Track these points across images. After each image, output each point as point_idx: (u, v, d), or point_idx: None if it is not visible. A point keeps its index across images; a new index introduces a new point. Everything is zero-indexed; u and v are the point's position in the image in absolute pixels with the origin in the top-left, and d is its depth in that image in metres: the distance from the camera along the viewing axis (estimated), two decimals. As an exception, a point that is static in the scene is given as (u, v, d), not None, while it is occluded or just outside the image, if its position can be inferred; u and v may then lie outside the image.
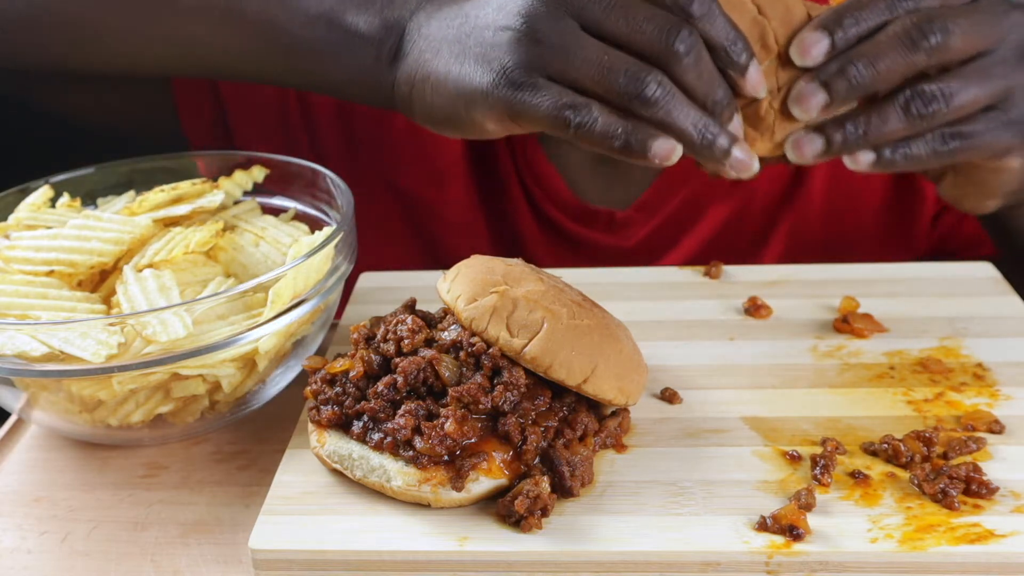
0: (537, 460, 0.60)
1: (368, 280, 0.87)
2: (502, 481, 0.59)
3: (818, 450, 0.63)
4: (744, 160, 0.69)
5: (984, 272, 0.84)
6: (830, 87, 0.68)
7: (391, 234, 1.06)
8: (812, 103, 0.69)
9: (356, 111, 1.00)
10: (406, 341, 0.62)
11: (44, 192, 0.79)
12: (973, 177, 0.77)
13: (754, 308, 0.79)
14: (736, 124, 0.69)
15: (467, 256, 0.67)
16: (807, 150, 0.70)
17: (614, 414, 0.65)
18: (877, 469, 0.61)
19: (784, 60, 0.71)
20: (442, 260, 1.00)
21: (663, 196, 1.02)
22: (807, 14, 0.71)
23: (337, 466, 0.61)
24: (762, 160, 0.72)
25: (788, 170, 1.02)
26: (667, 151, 0.66)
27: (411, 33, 0.75)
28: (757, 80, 0.69)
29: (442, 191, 1.04)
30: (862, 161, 0.70)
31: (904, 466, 0.61)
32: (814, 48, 0.68)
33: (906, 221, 1.02)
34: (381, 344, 0.63)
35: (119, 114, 1.03)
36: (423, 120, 0.76)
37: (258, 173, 0.82)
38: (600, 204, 1.02)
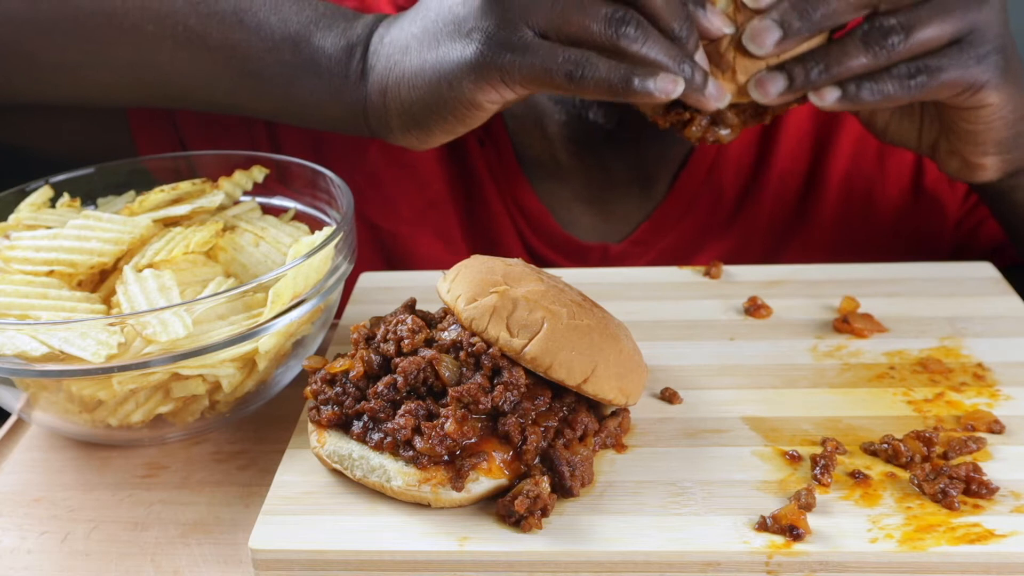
0: (537, 460, 0.60)
1: (368, 280, 0.87)
2: (502, 481, 0.59)
3: (818, 450, 0.63)
4: (717, 90, 0.70)
5: (984, 272, 0.84)
6: (784, 23, 0.69)
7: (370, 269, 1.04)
8: (767, 39, 0.69)
9: (331, 144, 0.97)
10: (406, 341, 0.62)
11: (44, 192, 0.79)
12: (958, 127, 0.76)
13: (754, 308, 0.79)
14: (700, 57, 0.70)
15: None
16: (770, 88, 0.71)
17: (614, 414, 0.65)
18: (877, 469, 0.61)
19: (741, 2, 0.71)
20: None
21: (660, 230, 1.01)
22: None
23: (337, 466, 0.61)
24: (734, 107, 0.74)
25: (792, 202, 1.01)
26: (670, 85, 0.67)
27: (374, 45, 0.74)
28: (713, 17, 0.70)
29: (425, 229, 1.01)
30: (828, 98, 0.70)
31: (904, 466, 0.61)
32: (767, 36, 0.69)
33: (924, 236, 1.01)
34: (381, 344, 0.63)
35: (76, 143, 0.99)
36: (402, 126, 0.74)
37: (258, 173, 0.82)
38: (593, 239, 1.01)
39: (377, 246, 1.01)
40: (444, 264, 1.00)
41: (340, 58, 0.75)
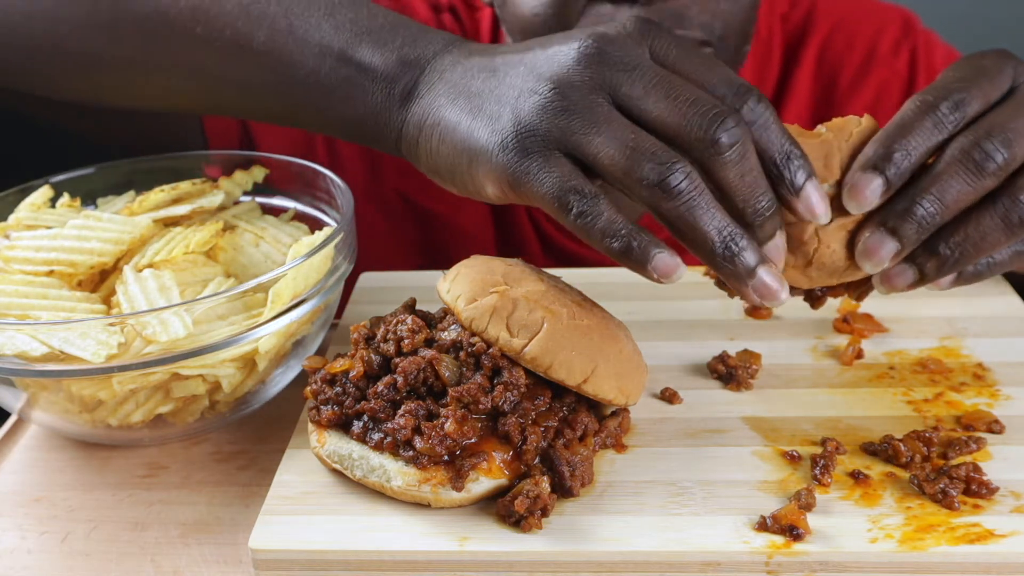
0: (537, 460, 0.60)
1: (368, 280, 0.87)
2: (502, 481, 0.59)
3: (818, 450, 0.63)
4: (772, 286, 0.58)
5: (984, 272, 0.84)
6: (898, 233, 0.60)
7: (401, 241, 1.05)
8: (883, 253, 0.60)
9: None
10: (406, 341, 0.62)
11: (44, 192, 0.79)
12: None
13: (754, 308, 0.79)
14: (778, 243, 0.59)
15: None
16: (899, 283, 0.62)
17: (614, 414, 0.65)
18: (877, 469, 0.61)
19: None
20: (446, 266, 0.99)
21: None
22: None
23: (337, 466, 0.61)
24: (794, 291, 0.64)
25: None
26: (669, 268, 0.57)
27: (430, 74, 0.69)
28: (817, 202, 0.58)
29: (462, 209, 1.03)
30: (944, 284, 0.63)
31: (904, 466, 0.61)
32: (867, 190, 0.59)
33: None
34: (381, 344, 0.63)
35: (146, 135, 1.00)
36: (427, 169, 0.70)
37: (258, 173, 0.82)
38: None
39: (416, 223, 1.02)
40: (476, 245, 1.02)
41: (388, 73, 0.71)
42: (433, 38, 0.71)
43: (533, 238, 1.06)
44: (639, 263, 0.57)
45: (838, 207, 0.60)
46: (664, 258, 0.57)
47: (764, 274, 0.57)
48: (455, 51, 0.69)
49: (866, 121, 0.63)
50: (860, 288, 0.66)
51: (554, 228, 1.03)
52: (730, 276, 0.58)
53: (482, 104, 0.64)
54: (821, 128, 0.62)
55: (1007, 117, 0.61)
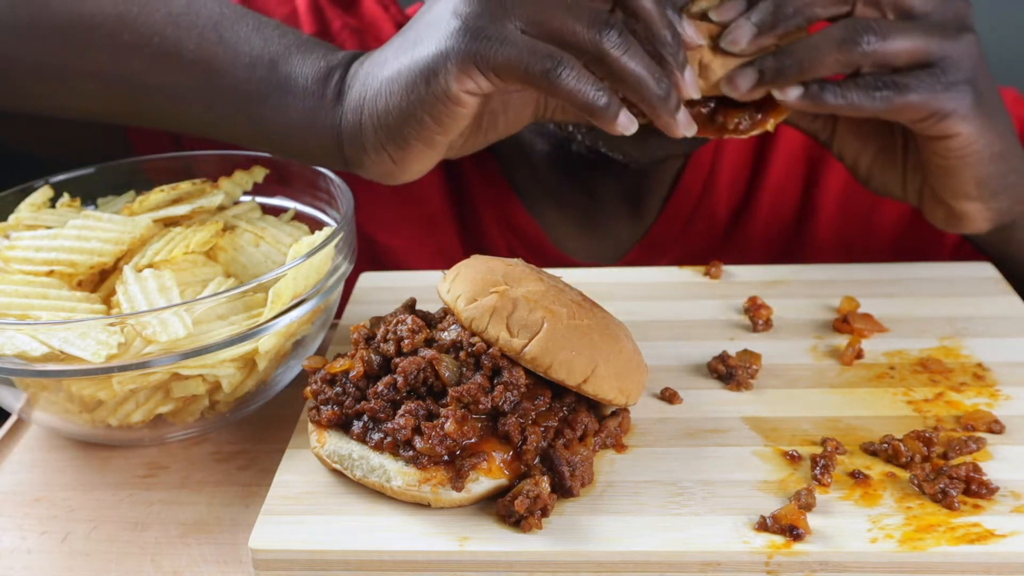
0: (537, 460, 0.60)
1: (368, 280, 0.87)
2: (502, 481, 0.59)
3: (818, 450, 0.63)
4: (685, 120, 0.69)
5: (984, 272, 0.84)
6: (759, 23, 0.70)
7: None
8: (742, 38, 0.70)
9: None
10: (406, 341, 0.62)
11: (44, 192, 0.79)
12: (933, 163, 0.75)
13: (754, 308, 0.79)
14: (689, 73, 0.70)
15: None
16: (740, 83, 0.71)
17: (614, 414, 0.65)
18: (877, 469, 0.61)
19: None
20: None
21: (654, 252, 1.01)
22: None
23: (337, 466, 0.61)
24: (703, 101, 0.74)
25: (786, 225, 1.01)
26: (630, 123, 0.67)
27: (353, 69, 0.73)
28: (689, 28, 0.70)
29: (421, 244, 1.01)
30: (790, 94, 0.71)
31: (904, 466, 0.61)
32: (741, 33, 0.70)
33: (923, 259, 0.99)
34: (381, 344, 0.63)
35: (68, 145, 0.98)
36: (376, 144, 0.71)
37: (258, 173, 0.82)
38: (586, 260, 1.01)
39: (372, 258, 1.00)
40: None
41: (317, 78, 0.73)
42: (351, 51, 0.76)
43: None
44: (611, 116, 0.66)
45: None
46: (627, 114, 0.67)
47: (683, 111, 0.69)
48: (367, 52, 0.74)
49: None
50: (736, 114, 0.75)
51: (536, 261, 1.02)
52: (661, 111, 0.67)
53: (409, 42, 0.69)
54: None
55: (902, 24, 0.70)
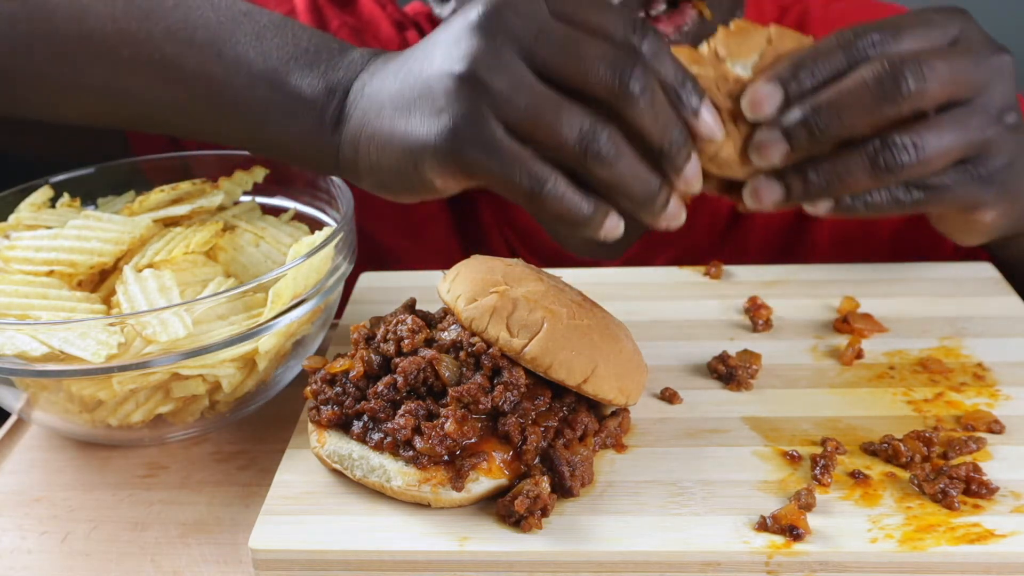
0: (537, 460, 0.60)
1: (368, 280, 0.87)
2: (502, 481, 0.59)
3: (818, 450, 0.63)
4: (675, 211, 0.66)
5: (984, 272, 0.84)
6: (791, 137, 0.64)
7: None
8: (772, 152, 0.65)
9: None
10: (406, 341, 0.62)
11: (44, 192, 0.79)
12: (947, 221, 0.75)
13: (754, 308, 0.79)
14: (693, 165, 0.65)
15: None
16: (766, 198, 0.67)
17: (614, 414, 0.65)
18: (877, 469, 0.61)
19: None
20: None
21: (653, 250, 1.00)
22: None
23: (337, 466, 0.61)
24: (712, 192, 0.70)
25: (788, 222, 1.00)
26: (613, 229, 0.64)
27: (354, 94, 0.71)
28: (711, 123, 0.64)
29: (419, 242, 1.00)
30: (820, 208, 0.67)
31: (904, 466, 0.61)
32: (766, 100, 0.64)
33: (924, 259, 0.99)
34: (381, 344, 0.63)
35: (68, 145, 0.97)
36: (372, 186, 0.71)
37: (258, 173, 0.82)
38: (586, 256, 1.00)
39: (372, 258, 1.00)
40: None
41: (316, 100, 0.72)
42: (354, 57, 0.73)
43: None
44: (597, 226, 0.64)
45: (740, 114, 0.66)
46: (612, 219, 0.64)
47: (673, 205, 0.65)
48: (372, 65, 0.72)
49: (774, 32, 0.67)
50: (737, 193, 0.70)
51: (536, 260, 1.02)
52: (647, 213, 0.65)
53: (407, 103, 0.66)
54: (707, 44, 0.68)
55: (934, 55, 0.63)
